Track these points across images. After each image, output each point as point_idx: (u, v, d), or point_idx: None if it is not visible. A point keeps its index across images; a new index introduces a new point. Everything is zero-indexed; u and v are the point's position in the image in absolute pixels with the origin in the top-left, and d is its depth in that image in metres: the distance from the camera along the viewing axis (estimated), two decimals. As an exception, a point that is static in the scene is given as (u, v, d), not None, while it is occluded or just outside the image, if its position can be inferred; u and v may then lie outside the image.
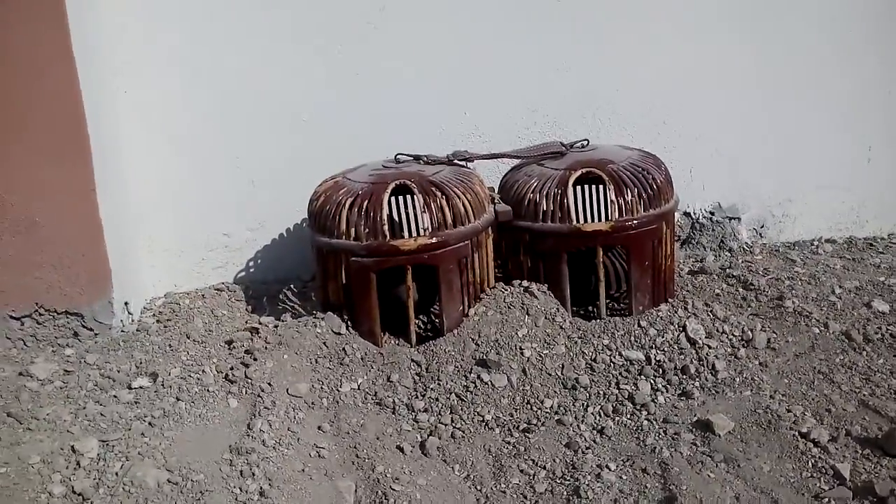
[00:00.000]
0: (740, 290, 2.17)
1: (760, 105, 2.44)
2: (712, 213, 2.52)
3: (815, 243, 2.57)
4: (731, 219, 2.53)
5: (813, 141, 2.49)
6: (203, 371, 1.71)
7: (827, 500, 1.38)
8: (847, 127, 2.50)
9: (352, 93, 2.21)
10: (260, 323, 1.94)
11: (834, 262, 2.40)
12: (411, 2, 2.18)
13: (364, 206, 1.79)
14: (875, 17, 2.42)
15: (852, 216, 2.61)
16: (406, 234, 1.78)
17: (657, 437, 1.57)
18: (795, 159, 2.50)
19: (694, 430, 1.58)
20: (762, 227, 2.58)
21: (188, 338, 1.89)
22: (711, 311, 1.93)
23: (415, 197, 1.80)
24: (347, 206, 1.81)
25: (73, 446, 1.44)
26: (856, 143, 2.53)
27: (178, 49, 2.08)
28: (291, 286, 2.20)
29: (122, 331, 1.91)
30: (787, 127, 2.47)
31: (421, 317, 1.99)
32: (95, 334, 1.88)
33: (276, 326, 1.88)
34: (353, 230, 1.79)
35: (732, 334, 1.87)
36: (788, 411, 1.62)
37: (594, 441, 1.57)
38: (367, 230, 1.78)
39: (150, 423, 1.54)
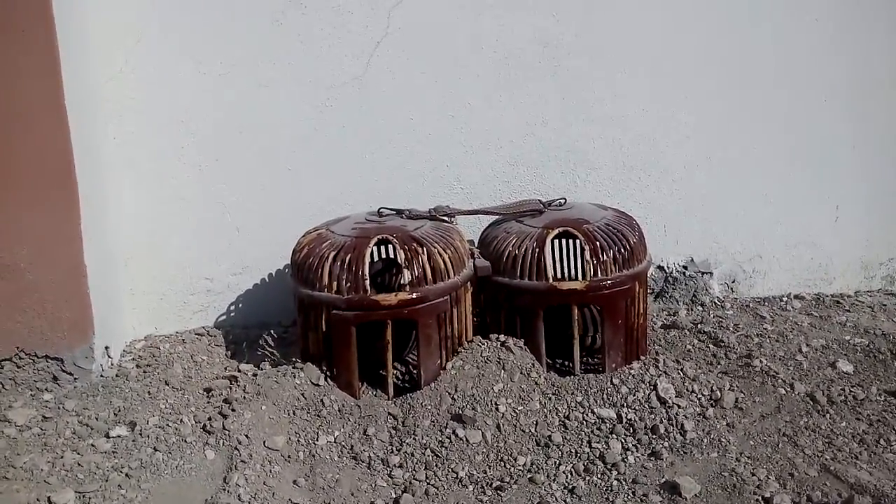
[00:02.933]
0: (711, 346, 2.24)
1: (732, 162, 2.53)
2: (685, 268, 2.59)
3: (785, 299, 2.64)
4: (703, 273, 2.61)
5: (782, 198, 2.59)
6: (181, 420, 1.73)
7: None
8: (815, 185, 2.60)
9: (337, 144, 2.27)
10: (239, 370, 1.96)
11: (802, 318, 2.48)
12: (397, 57, 2.25)
13: (347, 261, 1.83)
14: (840, 74, 2.52)
15: (820, 273, 2.70)
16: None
17: (626, 499, 1.61)
18: (765, 216, 2.60)
19: (662, 492, 1.63)
20: (733, 281, 2.65)
21: (167, 384, 1.91)
22: (682, 370, 1.99)
23: (397, 251, 1.85)
24: (330, 259, 1.85)
25: (49, 498, 1.45)
26: (823, 201, 2.63)
27: (167, 97, 2.13)
28: (272, 331, 2.23)
29: (102, 375, 1.93)
30: (758, 184, 2.56)
31: (396, 365, 2.02)
32: (75, 379, 1.89)
33: (255, 375, 1.90)
34: (335, 283, 1.83)
35: (702, 394, 1.93)
36: (753, 475, 1.67)
37: (565, 501, 1.61)
38: (348, 284, 1.82)
39: (126, 475, 1.55)
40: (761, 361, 2.10)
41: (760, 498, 1.60)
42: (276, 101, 2.21)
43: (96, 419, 1.74)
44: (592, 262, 1.92)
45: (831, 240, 2.66)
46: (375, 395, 1.89)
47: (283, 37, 2.17)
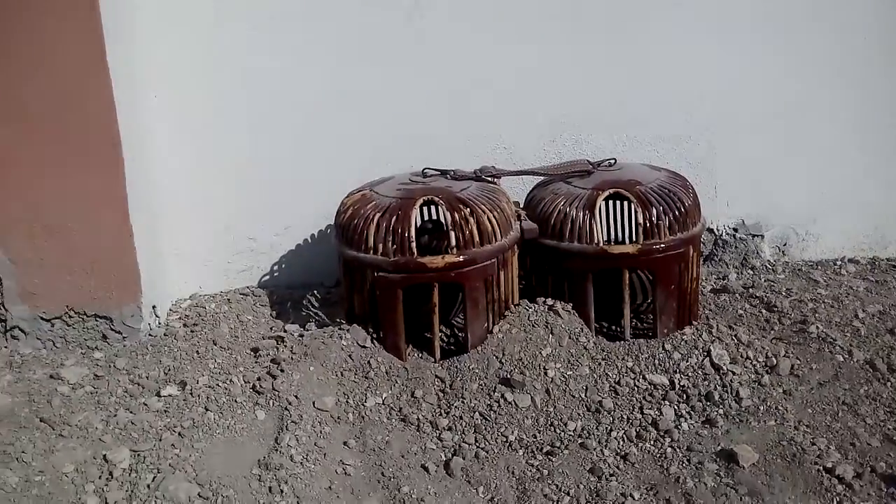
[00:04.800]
0: (763, 311, 2.17)
1: (788, 121, 2.41)
2: (735, 230, 2.51)
3: (838, 263, 2.55)
4: (754, 236, 2.52)
5: (838, 159, 2.47)
6: (231, 380, 1.73)
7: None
8: (873, 147, 2.48)
9: (380, 103, 2.21)
10: (285, 331, 1.96)
11: (857, 283, 2.39)
12: (440, 15, 2.17)
13: (392, 222, 1.80)
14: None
15: (876, 236, 2.60)
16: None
17: (681, 466, 1.58)
18: (820, 177, 2.49)
19: (718, 460, 1.59)
20: (785, 245, 2.57)
21: (215, 344, 1.91)
22: (736, 336, 1.93)
23: (443, 213, 1.81)
24: (375, 221, 1.81)
25: (105, 456, 1.47)
26: (881, 163, 2.51)
27: (210, 54, 2.09)
28: (315, 292, 2.22)
29: (150, 335, 1.94)
30: (814, 145, 2.45)
31: (442, 328, 2.00)
32: (124, 337, 1.90)
33: (301, 335, 1.90)
34: (380, 246, 1.80)
35: (756, 360, 1.87)
36: (813, 444, 1.62)
37: (618, 468, 1.58)
38: (394, 246, 1.79)
39: (179, 434, 1.56)
40: (817, 327, 2.03)
41: (821, 468, 1.55)
42: (322, 57, 2.15)
43: (147, 378, 1.75)
44: (645, 225, 1.85)
45: (887, 202, 2.55)
46: (422, 358, 1.87)
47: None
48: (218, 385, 1.71)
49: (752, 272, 2.48)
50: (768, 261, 2.53)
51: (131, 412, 1.62)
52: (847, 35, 2.36)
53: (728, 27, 2.31)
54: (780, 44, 2.35)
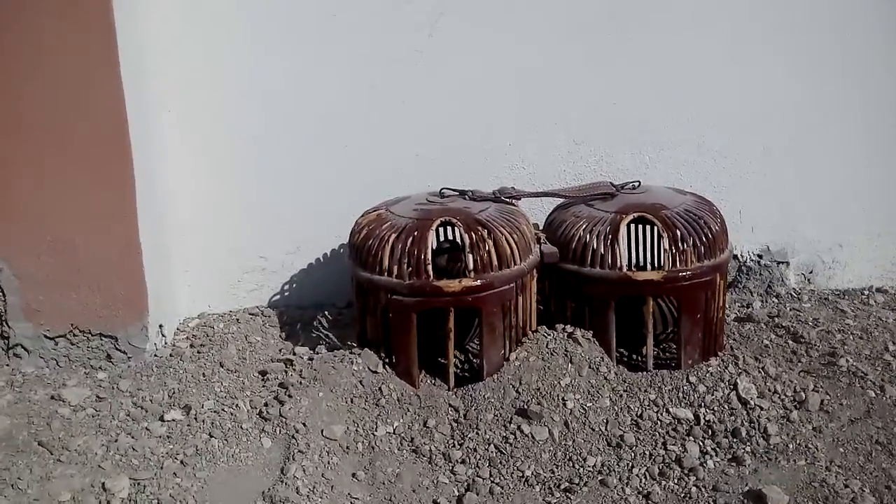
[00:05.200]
0: (790, 342, 2.09)
1: (815, 145, 2.35)
2: (760, 257, 2.43)
3: (866, 292, 2.47)
4: (779, 263, 2.45)
5: (865, 185, 2.40)
6: (237, 405, 1.67)
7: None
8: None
9: (395, 121, 2.17)
10: (294, 353, 1.90)
11: (886, 314, 2.30)
12: (457, 30, 2.13)
13: (408, 244, 1.74)
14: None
15: (905, 264, 2.51)
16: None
17: (706, 508, 1.50)
18: (847, 203, 2.41)
19: (746, 501, 1.51)
20: (811, 272, 2.49)
21: (222, 366, 1.85)
22: (762, 368, 1.85)
23: (461, 235, 1.75)
24: (391, 242, 1.76)
25: (104, 484, 1.41)
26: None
27: (224, 70, 2.05)
28: (326, 313, 2.16)
29: (156, 355, 1.88)
30: (840, 169, 2.37)
31: (456, 353, 1.93)
32: (129, 357, 1.85)
33: (311, 359, 1.83)
34: (395, 267, 1.74)
35: (784, 395, 1.79)
36: (846, 486, 1.54)
37: (639, 507, 1.50)
38: (410, 269, 1.73)
39: (182, 462, 1.49)
40: (846, 360, 1.95)
41: (856, 513, 1.47)
42: (334, 75, 2.11)
43: (150, 401, 1.69)
44: (671, 251, 1.79)
45: (917, 229, 2.47)
46: (435, 385, 1.80)
47: (344, 6, 2.07)
48: (223, 410, 1.65)
49: (776, 300, 2.40)
50: (794, 289, 2.45)
51: (133, 437, 1.56)
52: (871, 61, 2.30)
53: (752, 48, 2.25)
54: (805, 66, 2.28)
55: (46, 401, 1.68)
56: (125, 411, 1.65)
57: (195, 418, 1.62)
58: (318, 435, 1.59)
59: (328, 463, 1.53)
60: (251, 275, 2.20)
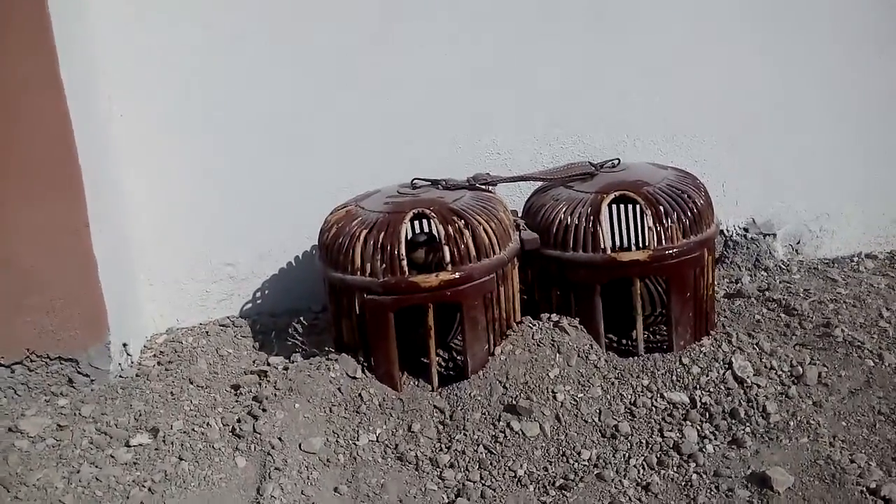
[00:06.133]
0: (782, 315, 2.03)
1: (797, 114, 2.29)
2: (746, 230, 2.37)
3: (856, 259, 2.42)
4: (766, 235, 2.39)
5: (849, 150, 2.34)
6: (208, 424, 1.57)
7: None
8: (884, 133, 2.34)
9: (362, 112, 2.07)
10: (268, 364, 1.81)
11: (877, 280, 2.25)
12: (421, 17, 2.03)
13: (380, 239, 1.65)
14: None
15: (893, 229, 2.46)
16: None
17: (709, 495, 1.42)
18: (832, 170, 2.36)
19: (749, 485, 1.44)
20: (798, 243, 2.43)
21: (191, 383, 1.75)
22: (757, 344, 1.78)
23: (435, 226, 1.66)
24: (362, 238, 1.66)
25: (65, 520, 1.31)
26: (894, 149, 2.37)
27: (180, 70, 1.94)
28: (301, 319, 2.07)
29: (121, 376, 1.78)
30: (823, 136, 2.32)
31: (440, 351, 1.85)
32: (92, 380, 1.74)
33: (285, 368, 1.74)
34: (368, 265, 1.65)
35: (781, 370, 1.72)
36: (852, 461, 1.47)
37: (639, 500, 1.43)
38: (383, 265, 1.64)
39: (149, 490, 1.40)
40: (842, 330, 1.89)
41: (865, 489, 1.40)
42: (294, 67, 2.01)
43: (115, 426, 1.59)
44: (656, 228, 1.71)
45: (905, 191, 2.42)
46: (418, 386, 1.71)
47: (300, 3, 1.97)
48: (193, 430, 1.55)
49: (766, 274, 2.33)
50: (782, 261, 2.39)
51: (96, 466, 1.46)
52: (855, 26, 2.24)
53: (729, 22, 2.19)
54: (785, 37, 2.22)
55: (3, 433, 1.57)
56: (88, 439, 1.55)
57: (163, 441, 1.52)
58: (296, 449, 1.50)
59: (308, 478, 1.44)
60: (219, 284, 2.10)
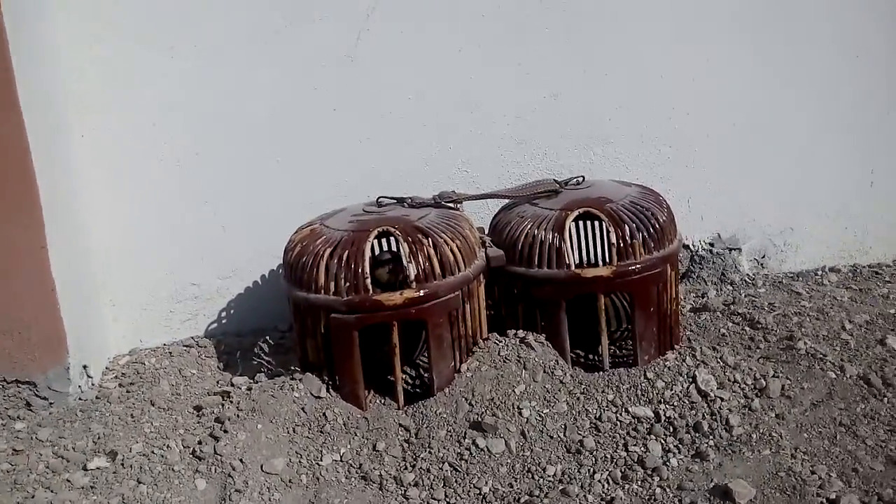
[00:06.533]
0: (747, 329, 2.05)
1: (759, 128, 2.32)
2: (712, 245, 2.40)
3: (819, 273, 2.46)
4: (731, 250, 2.42)
5: (813, 165, 2.38)
6: (167, 446, 1.54)
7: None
8: (847, 149, 2.40)
9: (329, 131, 2.07)
10: (232, 384, 1.78)
11: (841, 293, 2.28)
12: (389, 31, 2.05)
13: (345, 257, 1.64)
14: (873, 31, 2.32)
15: (856, 243, 2.51)
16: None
17: (672, 509, 1.43)
18: (795, 185, 2.39)
19: (712, 498, 1.44)
20: (763, 257, 2.46)
21: (152, 405, 1.72)
22: (721, 358, 1.80)
23: (400, 244, 1.66)
24: (326, 256, 1.66)
25: (16, 548, 1.27)
26: (857, 165, 2.43)
27: (142, 88, 1.93)
28: (267, 338, 2.05)
29: (81, 398, 1.74)
30: (786, 151, 2.36)
31: (406, 369, 1.84)
32: (51, 404, 1.71)
33: (249, 389, 1.71)
34: (332, 284, 1.64)
35: (745, 383, 1.74)
36: (812, 473, 1.49)
37: (604, 515, 1.42)
38: (347, 284, 1.63)
39: (106, 514, 1.36)
40: (805, 343, 1.91)
41: (825, 500, 1.42)
42: (259, 85, 2.01)
43: (73, 449, 1.55)
44: (619, 245, 1.72)
45: (866, 207, 2.46)
46: (384, 405, 1.70)
47: (262, 14, 1.97)
48: (153, 452, 1.52)
49: (731, 288, 2.36)
50: (747, 275, 2.42)
51: (52, 491, 1.43)
52: (812, 37, 2.29)
53: (691, 33, 2.22)
54: (748, 48, 2.26)
55: (-44, 459, 1.53)
56: (44, 463, 1.51)
57: (122, 464, 1.49)
58: (258, 470, 1.48)
59: (269, 500, 1.42)
60: (184, 304, 2.07)
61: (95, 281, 1.95)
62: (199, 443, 1.54)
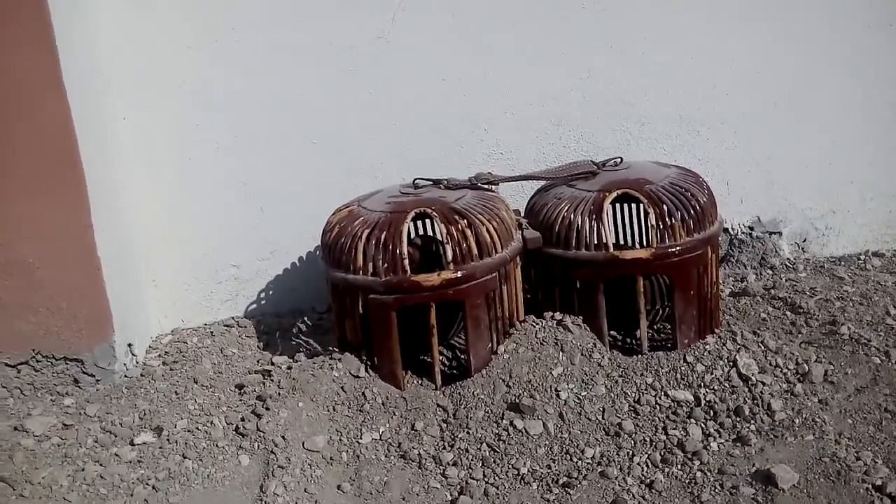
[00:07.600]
0: (788, 313, 2.01)
1: (801, 110, 2.27)
2: (751, 229, 2.36)
3: (862, 257, 2.40)
4: (771, 233, 2.37)
5: (856, 146, 2.32)
6: (211, 423, 1.57)
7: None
8: (892, 131, 2.33)
9: (365, 113, 2.07)
10: (272, 364, 1.81)
11: (884, 278, 2.23)
12: (423, 12, 2.03)
13: (382, 239, 1.65)
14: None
15: (900, 226, 2.44)
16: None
17: (713, 493, 1.42)
18: (838, 167, 2.34)
19: (754, 482, 1.43)
20: (804, 241, 2.41)
21: (196, 382, 1.76)
22: (762, 342, 1.77)
23: (437, 225, 1.66)
24: (364, 238, 1.66)
25: (69, 517, 1.31)
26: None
27: (181, 71, 1.95)
28: (305, 319, 2.07)
29: (126, 375, 1.79)
30: (829, 132, 2.30)
31: (443, 350, 1.85)
32: (97, 380, 1.75)
33: (289, 368, 1.74)
34: (370, 265, 1.65)
35: (787, 368, 1.71)
36: (857, 458, 1.46)
37: (643, 497, 1.42)
38: (385, 265, 1.64)
39: (153, 487, 1.40)
40: (848, 328, 1.87)
41: (871, 486, 1.39)
42: (296, 67, 2.01)
43: (120, 425, 1.60)
44: (658, 226, 1.70)
45: (909, 189, 2.40)
46: (421, 385, 1.71)
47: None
48: (197, 429, 1.55)
49: (771, 272, 2.32)
50: (788, 259, 2.37)
51: (101, 465, 1.47)
52: (857, 17, 2.22)
53: (736, 16, 2.17)
54: (787, 28, 2.20)
55: (9, 432, 1.58)
56: (93, 438, 1.56)
57: (167, 440, 1.53)
58: (299, 447, 1.50)
59: (311, 476, 1.44)
60: (224, 285, 2.10)
61: (138, 262, 1.98)
62: (242, 420, 1.57)
